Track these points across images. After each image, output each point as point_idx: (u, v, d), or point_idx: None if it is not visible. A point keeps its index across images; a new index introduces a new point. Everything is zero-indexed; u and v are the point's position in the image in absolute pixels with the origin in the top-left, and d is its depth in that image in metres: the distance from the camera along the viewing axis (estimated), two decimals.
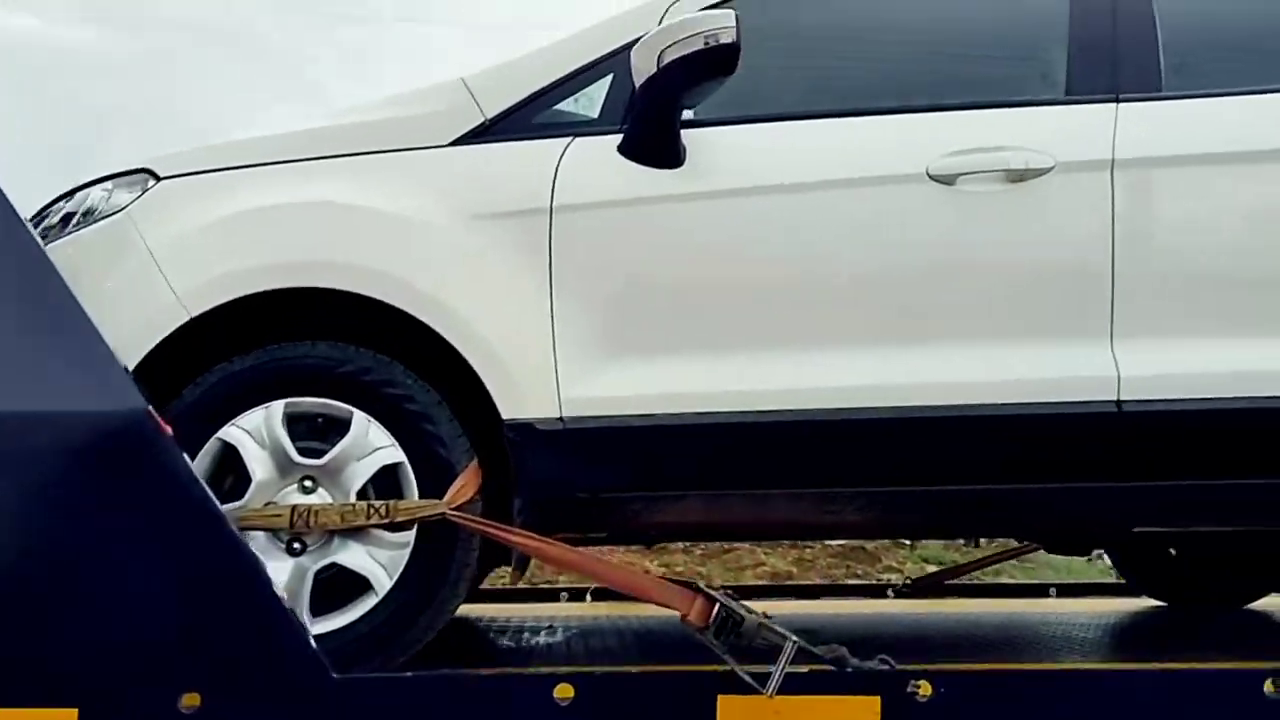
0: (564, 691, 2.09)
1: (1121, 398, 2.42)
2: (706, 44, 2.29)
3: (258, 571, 2.06)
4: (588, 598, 4.14)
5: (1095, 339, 2.45)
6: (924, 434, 2.45)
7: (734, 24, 2.30)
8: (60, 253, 2.43)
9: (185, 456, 2.09)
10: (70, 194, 2.62)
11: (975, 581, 4.78)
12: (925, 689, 2.13)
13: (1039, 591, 4.68)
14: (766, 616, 2.16)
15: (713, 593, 2.17)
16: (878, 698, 2.13)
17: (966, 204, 2.47)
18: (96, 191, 2.54)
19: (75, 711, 1.97)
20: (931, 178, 2.45)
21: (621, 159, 2.45)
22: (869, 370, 2.44)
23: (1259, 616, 4.00)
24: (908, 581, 4.57)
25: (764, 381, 2.43)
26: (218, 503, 2.09)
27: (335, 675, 2.04)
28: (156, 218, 2.44)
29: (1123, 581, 4.34)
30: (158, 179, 2.50)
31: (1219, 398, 2.40)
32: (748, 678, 2.05)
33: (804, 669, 2.12)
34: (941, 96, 2.62)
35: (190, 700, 2.00)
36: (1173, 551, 3.99)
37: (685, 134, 2.47)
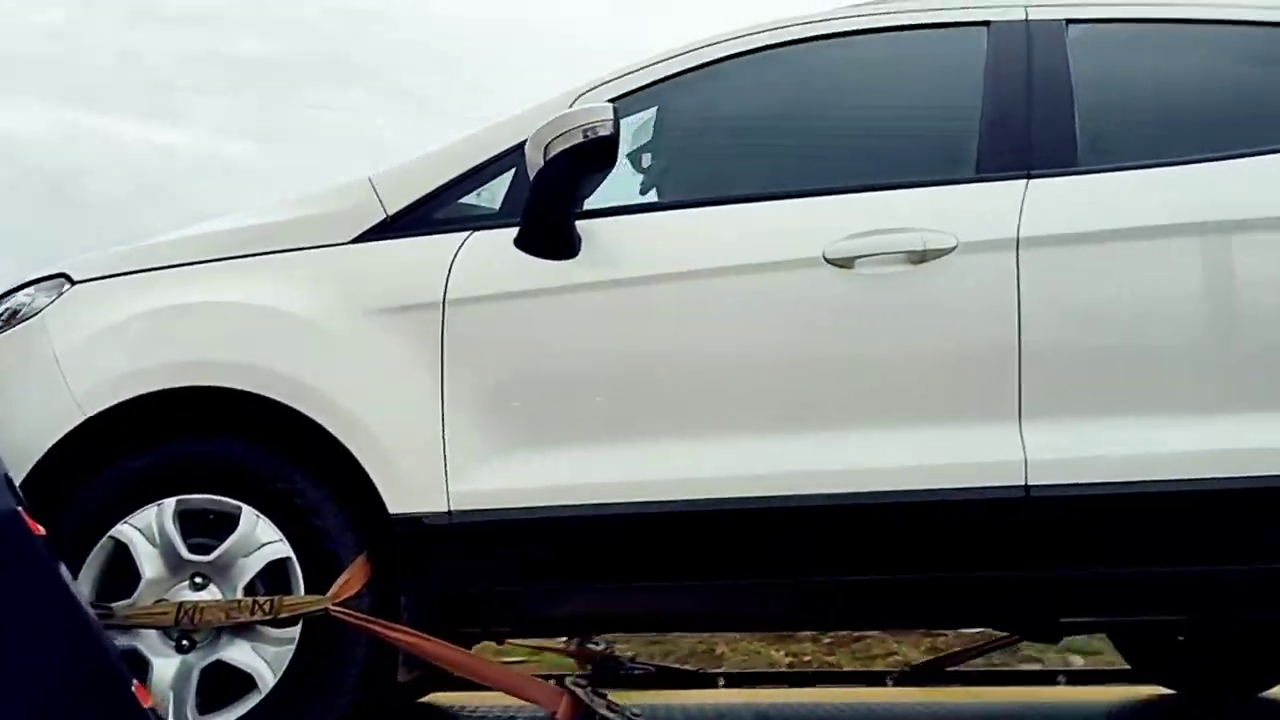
0: None
1: (1030, 482, 2.33)
2: (585, 137, 2.31)
3: (121, 677, 2.08)
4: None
5: (1002, 422, 2.36)
6: (827, 523, 2.38)
7: (612, 117, 2.32)
8: None
9: (59, 561, 2.14)
10: (9, 293, 2.73)
11: (983, 668, 4.62)
12: None
13: (1047, 678, 4.49)
14: (635, 713, 2.11)
15: (577, 691, 2.13)
16: None
17: (865, 287, 2.42)
18: (21, 295, 2.64)
19: None
20: (829, 261, 2.41)
21: (516, 252, 2.47)
22: (769, 458, 2.39)
23: (1273, 705, 3.78)
24: (907, 668, 4.42)
25: (660, 471, 2.39)
26: (88, 606, 2.13)
27: None
28: (66, 321, 2.53)
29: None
30: (72, 283, 2.59)
31: (1131, 481, 2.30)
32: None
33: None
34: (846, 179, 2.59)
35: None
36: (1180, 638, 3.79)
37: (581, 224, 2.48)
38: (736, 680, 4.40)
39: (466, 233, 2.53)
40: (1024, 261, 2.39)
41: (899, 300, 2.42)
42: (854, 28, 2.72)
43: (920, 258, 2.40)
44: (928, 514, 2.36)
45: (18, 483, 2.24)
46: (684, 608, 2.57)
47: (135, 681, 2.11)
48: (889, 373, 2.42)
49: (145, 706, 2.07)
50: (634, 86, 2.64)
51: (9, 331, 2.57)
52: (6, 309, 2.64)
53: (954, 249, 2.39)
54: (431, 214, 2.58)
